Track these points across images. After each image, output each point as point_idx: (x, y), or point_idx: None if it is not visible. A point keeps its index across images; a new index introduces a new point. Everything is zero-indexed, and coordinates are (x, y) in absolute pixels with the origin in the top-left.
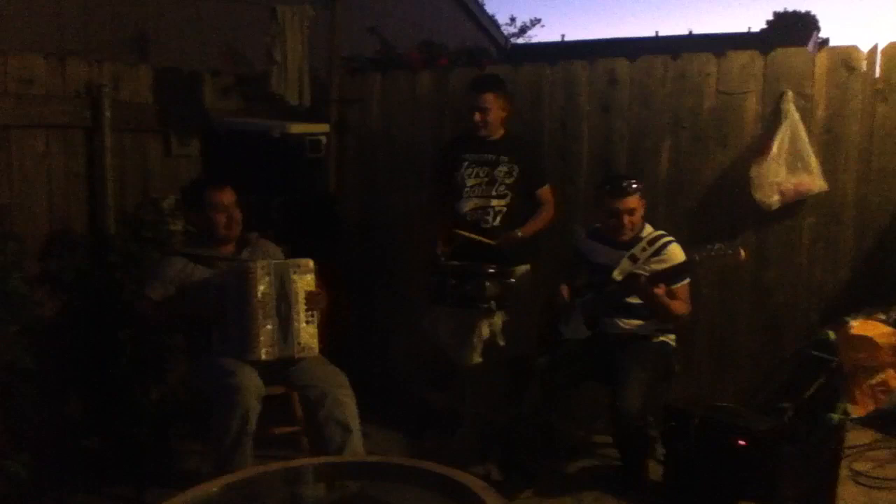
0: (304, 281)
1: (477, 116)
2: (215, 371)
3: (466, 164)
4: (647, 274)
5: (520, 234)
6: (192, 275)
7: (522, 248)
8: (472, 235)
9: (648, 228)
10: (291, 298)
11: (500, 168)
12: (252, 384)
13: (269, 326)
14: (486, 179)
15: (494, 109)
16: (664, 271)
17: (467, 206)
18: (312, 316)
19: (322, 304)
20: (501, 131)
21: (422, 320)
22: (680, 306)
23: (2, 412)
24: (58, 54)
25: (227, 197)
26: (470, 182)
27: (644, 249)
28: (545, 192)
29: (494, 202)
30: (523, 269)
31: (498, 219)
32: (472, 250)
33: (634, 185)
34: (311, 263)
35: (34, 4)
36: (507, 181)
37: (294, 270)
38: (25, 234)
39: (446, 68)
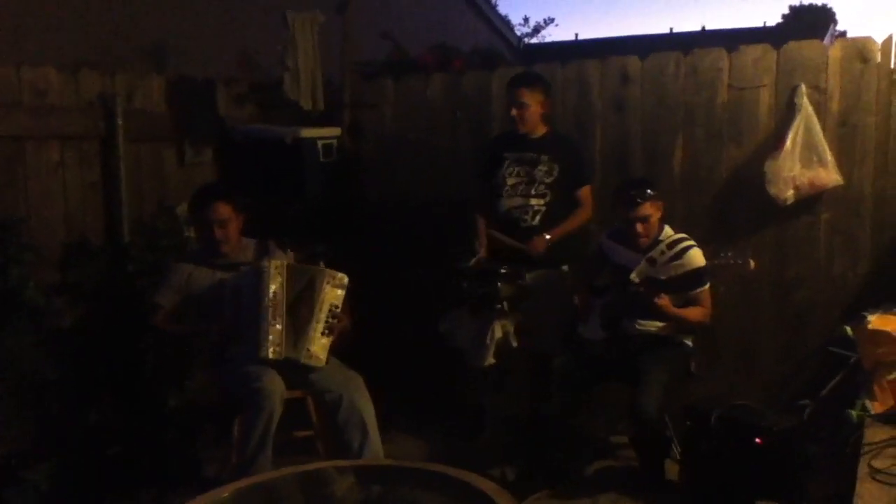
0: (334, 294)
1: (513, 111)
2: (241, 376)
3: (507, 162)
4: (662, 278)
5: (548, 237)
6: (196, 280)
7: (559, 250)
8: (505, 238)
9: (668, 231)
10: (315, 306)
11: (539, 167)
12: (277, 388)
13: (278, 326)
14: (525, 179)
15: (532, 105)
16: (674, 279)
17: (507, 204)
18: (330, 329)
19: (340, 327)
20: (543, 129)
21: (440, 324)
22: (696, 312)
23: (23, 422)
24: (70, 66)
25: (218, 212)
26: (510, 181)
27: (663, 253)
28: (584, 192)
29: (533, 201)
30: (549, 270)
31: (537, 218)
32: (509, 251)
33: (645, 193)
34: (345, 280)
35: (56, 17)
36: (547, 180)
37: (328, 280)
38: (43, 245)
39: (459, 71)
